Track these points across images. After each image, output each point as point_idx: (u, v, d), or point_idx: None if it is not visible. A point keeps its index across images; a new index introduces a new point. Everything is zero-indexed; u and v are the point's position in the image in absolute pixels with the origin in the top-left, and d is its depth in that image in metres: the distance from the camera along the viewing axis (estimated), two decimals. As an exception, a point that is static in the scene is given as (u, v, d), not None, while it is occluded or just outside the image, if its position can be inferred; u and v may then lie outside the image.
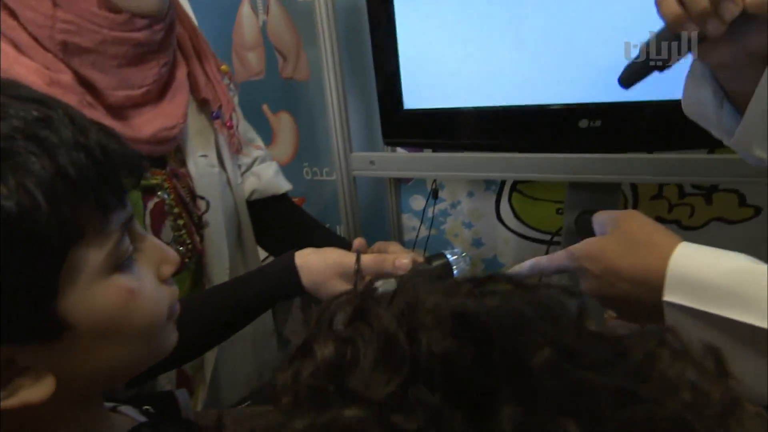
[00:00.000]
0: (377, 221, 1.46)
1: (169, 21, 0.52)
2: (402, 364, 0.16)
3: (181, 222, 0.58)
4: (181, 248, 0.59)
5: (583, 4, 0.84)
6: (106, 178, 0.29)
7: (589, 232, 0.45)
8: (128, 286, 0.31)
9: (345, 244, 0.73)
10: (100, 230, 0.30)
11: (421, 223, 1.39)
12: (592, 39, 0.83)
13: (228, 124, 0.64)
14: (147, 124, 0.51)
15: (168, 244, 0.55)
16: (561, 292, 0.20)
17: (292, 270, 0.49)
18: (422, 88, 1.02)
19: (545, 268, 0.46)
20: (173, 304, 0.36)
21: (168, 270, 0.35)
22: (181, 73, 0.55)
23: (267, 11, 1.30)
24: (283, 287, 0.51)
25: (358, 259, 0.49)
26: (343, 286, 0.49)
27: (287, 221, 0.78)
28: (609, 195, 1.05)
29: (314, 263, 0.50)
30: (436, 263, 0.50)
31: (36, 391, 0.28)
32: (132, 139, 0.50)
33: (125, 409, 0.39)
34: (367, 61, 1.06)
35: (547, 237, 1.33)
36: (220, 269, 0.63)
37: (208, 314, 0.50)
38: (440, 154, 1.12)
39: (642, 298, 0.39)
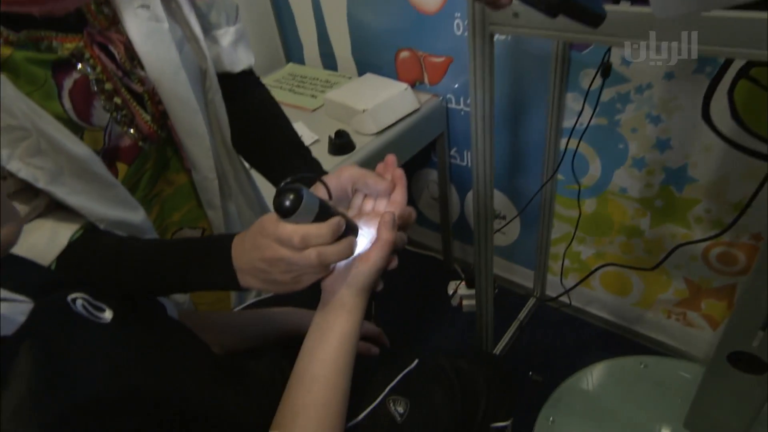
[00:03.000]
0: (532, 98, 1.17)
1: None
2: None
3: (118, 101, 0.46)
4: (131, 131, 0.48)
5: None
6: None
7: None
8: None
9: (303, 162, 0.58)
10: None
11: (586, 104, 1.06)
12: None
13: None
14: None
15: (107, 127, 0.46)
16: None
17: (230, 273, 0.42)
18: None
19: None
20: None
21: None
22: None
23: None
24: (218, 286, 0.44)
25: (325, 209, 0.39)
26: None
27: (244, 110, 0.59)
28: None
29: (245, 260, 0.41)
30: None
31: None
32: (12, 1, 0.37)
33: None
34: None
35: (777, 152, 0.90)
36: (199, 150, 0.52)
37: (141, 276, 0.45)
38: (625, 8, 0.75)
39: None
